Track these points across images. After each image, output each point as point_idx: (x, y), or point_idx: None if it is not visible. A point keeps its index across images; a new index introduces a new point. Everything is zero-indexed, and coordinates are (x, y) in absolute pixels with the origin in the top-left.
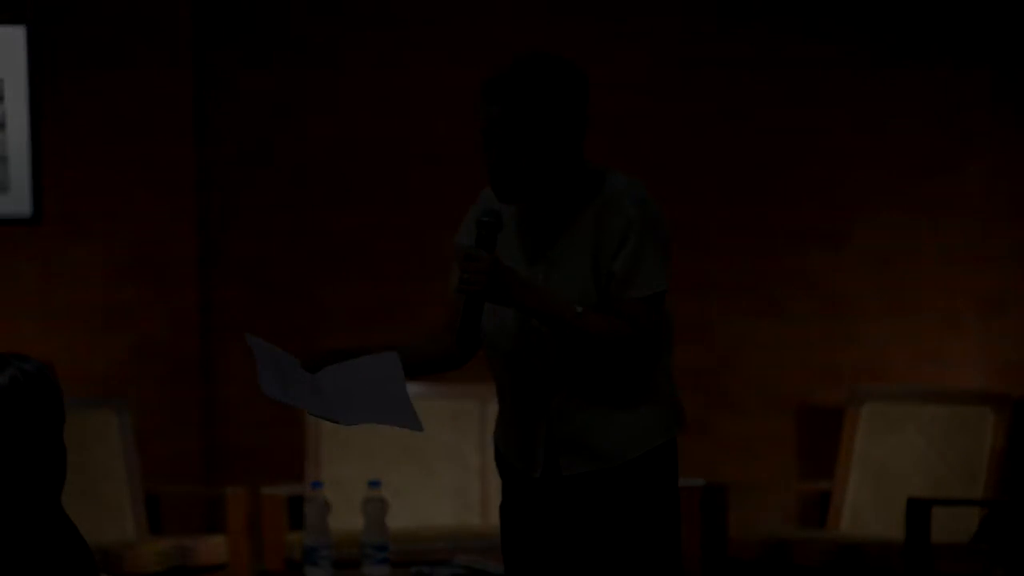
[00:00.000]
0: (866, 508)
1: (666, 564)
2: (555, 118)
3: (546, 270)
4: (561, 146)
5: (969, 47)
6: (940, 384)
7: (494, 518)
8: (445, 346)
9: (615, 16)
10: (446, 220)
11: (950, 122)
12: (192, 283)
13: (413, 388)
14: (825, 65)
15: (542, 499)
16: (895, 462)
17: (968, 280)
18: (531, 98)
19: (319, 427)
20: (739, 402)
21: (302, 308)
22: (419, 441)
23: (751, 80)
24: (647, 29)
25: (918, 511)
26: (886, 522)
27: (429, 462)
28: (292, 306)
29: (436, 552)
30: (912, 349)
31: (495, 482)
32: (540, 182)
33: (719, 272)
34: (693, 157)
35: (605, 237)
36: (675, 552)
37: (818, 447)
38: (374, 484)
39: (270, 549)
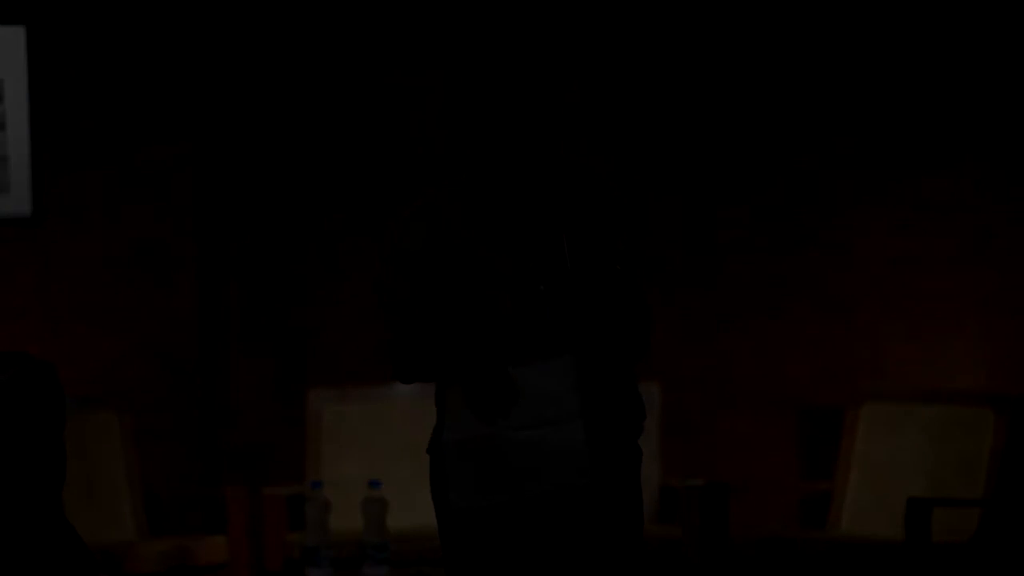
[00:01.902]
0: (866, 508)
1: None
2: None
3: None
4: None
5: (969, 47)
6: (940, 384)
7: None
8: None
9: (617, 16)
10: None
11: (950, 122)
12: (192, 283)
13: (409, 387)
14: (826, 64)
15: (513, 518)
16: (895, 462)
17: (968, 280)
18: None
19: (319, 427)
20: (739, 402)
21: (302, 308)
22: (420, 440)
23: (751, 80)
24: (647, 28)
25: (918, 511)
26: (886, 522)
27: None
28: (292, 306)
29: (436, 552)
30: (912, 349)
31: None
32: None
33: (720, 272)
34: (693, 157)
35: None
36: (643, 549)
37: (818, 447)
38: (374, 484)
39: (270, 549)
